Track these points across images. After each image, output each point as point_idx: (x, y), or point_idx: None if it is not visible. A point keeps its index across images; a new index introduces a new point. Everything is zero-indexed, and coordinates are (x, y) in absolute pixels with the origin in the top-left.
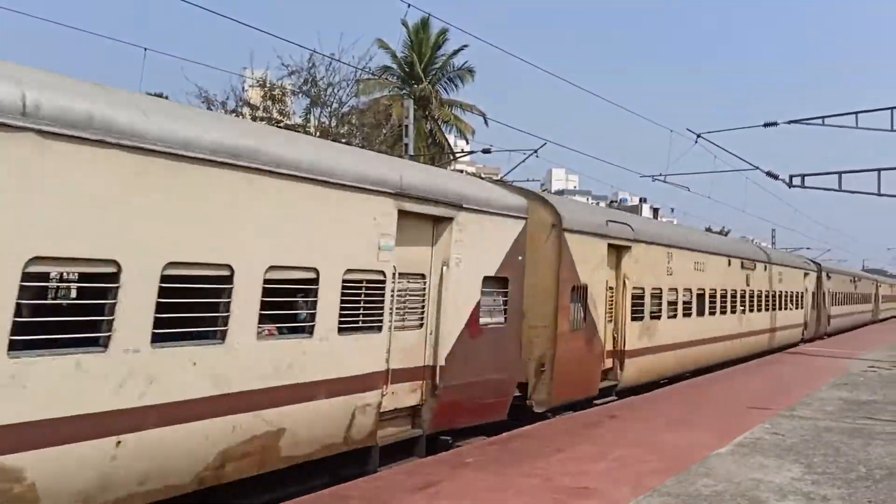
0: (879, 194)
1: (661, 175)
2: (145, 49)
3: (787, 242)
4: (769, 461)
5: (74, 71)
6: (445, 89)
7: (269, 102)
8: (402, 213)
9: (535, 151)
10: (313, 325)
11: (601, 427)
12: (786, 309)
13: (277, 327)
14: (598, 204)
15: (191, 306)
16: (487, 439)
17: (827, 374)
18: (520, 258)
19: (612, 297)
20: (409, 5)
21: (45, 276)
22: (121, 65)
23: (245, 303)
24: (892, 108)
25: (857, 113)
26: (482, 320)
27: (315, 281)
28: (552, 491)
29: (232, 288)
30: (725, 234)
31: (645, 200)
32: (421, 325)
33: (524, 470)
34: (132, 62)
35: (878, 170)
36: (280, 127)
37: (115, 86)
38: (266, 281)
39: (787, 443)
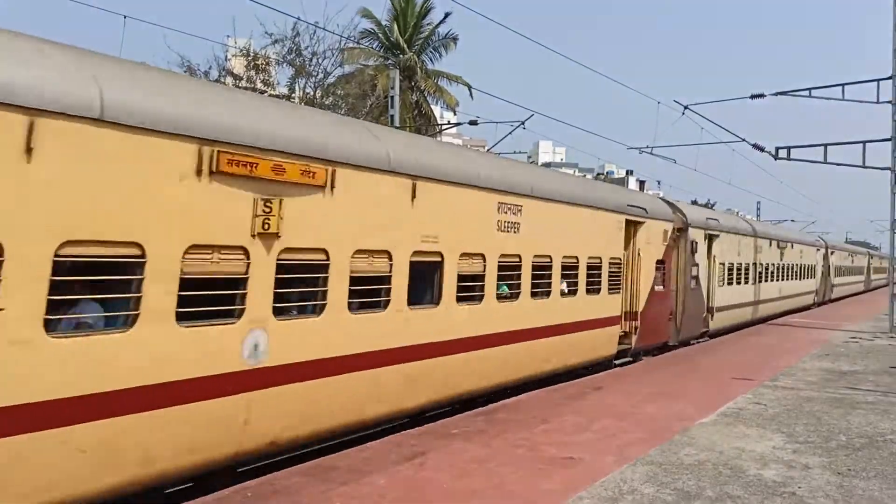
0: (864, 166)
1: (647, 147)
2: (125, 16)
3: (773, 214)
4: (751, 431)
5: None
6: (431, 59)
7: (253, 72)
8: (626, 222)
9: (522, 123)
10: (599, 288)
11: (586, 398)
12: (806, 278)
13: (588, 290)
14: (584, 176)
15: (574, 277)
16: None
17: (809, 345)
18: (670, 247)
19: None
20: None
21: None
22: (99, 32)
23: (581, 276)
24: (877, 80)
25: (843, 85)
26: (656, 288)
27: (600, 264)
28: (537, 461)
29: (578, 267)
30: (711, 207)
31: (631, 173)
32: (622, 289)
33: (509, 440)
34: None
35: (864, 142)
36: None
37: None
38: (587, 265)
39: (769, 412)
